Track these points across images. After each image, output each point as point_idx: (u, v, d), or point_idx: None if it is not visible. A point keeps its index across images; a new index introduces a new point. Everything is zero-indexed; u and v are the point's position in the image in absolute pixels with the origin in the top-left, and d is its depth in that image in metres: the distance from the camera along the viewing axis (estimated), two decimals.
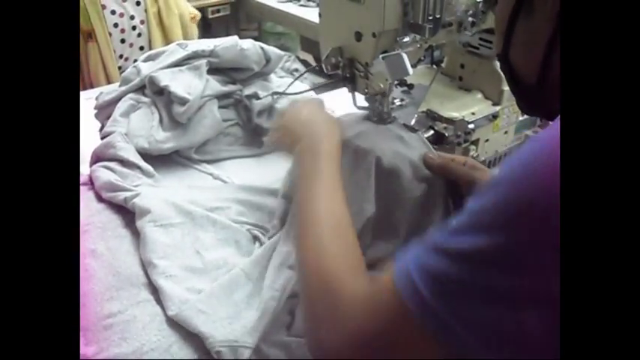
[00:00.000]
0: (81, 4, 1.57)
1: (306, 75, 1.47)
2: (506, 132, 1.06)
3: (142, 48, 1.76)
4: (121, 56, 1.73)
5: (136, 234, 0.83)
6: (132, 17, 1.71)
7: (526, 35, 0.62)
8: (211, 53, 1.13)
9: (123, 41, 1.72)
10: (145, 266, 0.77)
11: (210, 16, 2.79)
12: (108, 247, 0.81)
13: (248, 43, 1.15)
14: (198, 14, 1.95)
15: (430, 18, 0.79)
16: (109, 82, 1.66)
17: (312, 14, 2.36)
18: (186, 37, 1.84)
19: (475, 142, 1.00)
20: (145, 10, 1.73)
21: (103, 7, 1.64)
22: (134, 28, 1.72)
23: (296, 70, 2.08)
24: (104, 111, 1.13)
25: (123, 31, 1.71)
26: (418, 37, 0.80)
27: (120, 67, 1.71)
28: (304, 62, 2.26)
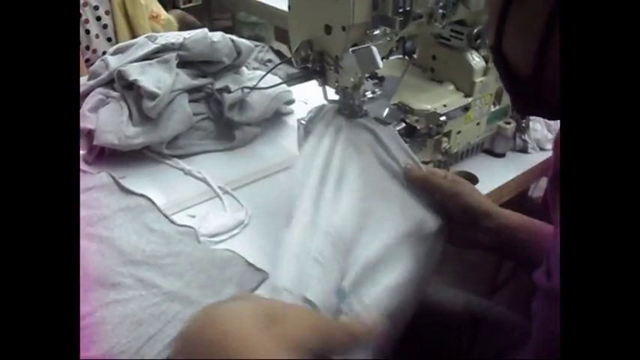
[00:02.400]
0: None
1: (280, 66, 1.46)
2: (478, 123, 1.06)
3: (109, 39, 1.72)
4: (87, 47, 1.70)
5: (104, 233, 0.82)
6: (96, 7, 1.67)
7: (520, 24, 0.59)
8: (181, 46, 1.11)
9: (88, 32, 1.68)
10: None
11: (182, 6, 2.76)
12: None
13: (218, 36, 1.13)
14: (163, 14, 1.87)
15: (400, 10, 0.78)
16: None
17: (285, 4, 2.33)
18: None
19: (447, 134, 1.00)
20: (110, 1, 1.69)
21: None
22: (99, 18, 1.69)
23: (269, 60, 2.08)
24: None
25: (87, 21, 1.67)
26: (388, 29, 0.80)
27: (88, 60, 1.68)
28: (278, 52, 2.25)
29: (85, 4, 1.65)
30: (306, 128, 0.87)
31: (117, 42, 1.72)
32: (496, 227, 0.75)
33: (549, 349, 0.47)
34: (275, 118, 1.21)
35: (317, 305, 0.59)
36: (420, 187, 0.77)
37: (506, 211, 0.77)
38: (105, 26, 1.71)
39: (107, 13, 1.70)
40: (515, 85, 0.66)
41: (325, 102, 0.88)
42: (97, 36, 1.71)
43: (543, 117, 0.78)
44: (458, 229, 0.78)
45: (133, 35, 1.66)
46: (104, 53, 1.17)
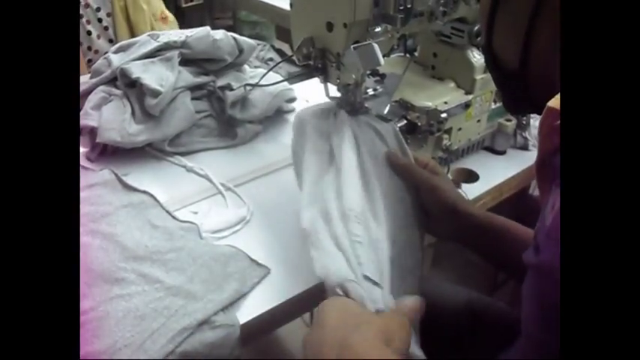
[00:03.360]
0: None
1: (281, 64, 1.46)
2: (479, 120, 1.06)
3: (110, 41, 1.73)
4: (89, 48, 1.70)
5: (107, 229, 0.82)
6: (97, 9, 1.68)
7: (507, 20, 0.64)
8: (183, 44, 1.12)
9: (89, 33, 1.69)
10: None
11: (184, 5, 2.76)
12: (80, 243, 0.81)
13: (220, 34, 1.14)
14: (171, 16, 1.90)
15: (401, 8, 0.79)
16: None
17: (286, 3, 2.33)
18: None
19: (448, 131, 1.00)
20: (112, 3, 1.70)
21: None
22: (100, 20, 1.70)
23: (271, 59, 2.07)
24: None
25: (88, 22, 1.68)
26: (389, 27, 0.80)
27: (90, 60, 1.69)
28: (279, 51, 2.24)
29: (87, 6, 1.66)
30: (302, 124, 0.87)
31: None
32: (466, 225, 0.78)
33: (541, 326, 0.48)
34: (277, 115, 1.22)
35: (376, 280, 0.66)
36: (399, 175, 0.79)
37: (477, 210, 0.80)
38: (106, 28, 1.72)
39: (108, 15, 1.71)
40: (505, 82, 0.69)
41: (327, 99, 0.88)
42: (98, 37, 1.72)
43: (532, 113, 0.80)
44: (433, 220, 0.80)
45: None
46: (106, 54, 1.17)
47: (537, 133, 0.52)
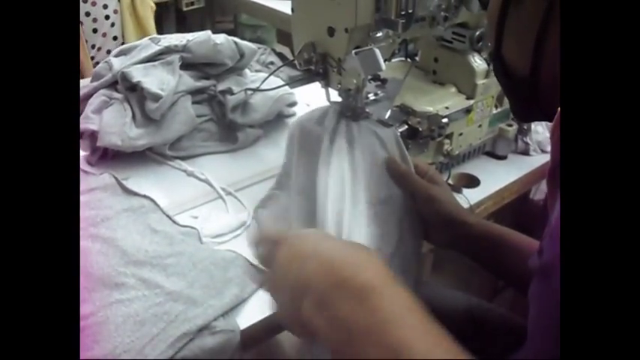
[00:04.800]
0: None
1: (282, 68, 1.46)
2: (480, 125, 1.06)
3: (115, 38, 1.74)
4: (93, 46, 1.71)
5: (107, 234, 0.82)
6: (105, 6, 1.69)
7: (517, 25, 0.63)
8: (184, 48, 1.11)
9: (95, 31, 1.70)
10: None
11: (185, 9, 2.76)
12: (80, 248, 0.80)
13: (221, 38, 1.14)
14: (153, 6, 1.94)
15: (403, 13, 0.79)
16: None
17: (287, 7, 2.33)
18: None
19: (449, 136, 1.00)
20: (119, 0, 1.71)
21: None
22: (107, 17, 1.71)
23: (271, 63, 2.07)
24: None
25: (95, 20, 1.69)
26: (391, 32, 0.80)
27: (93, 58, 1.69)
28: (280, 55, 2.24)
29: (94, 4, 1.66)
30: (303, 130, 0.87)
31: (123, 40, 1.73)
32: (464, 235, 0.78)
33: (543, 330, 0.48)
34: (277, 120, 1.21)
35: None
36: (397, 182, 0.79)
37: (475, 219, 0.81)
38: (112, 25, 1.72)
39: (115, 12, 1.72)
40: (514, 89, 0.68)
41: (328, 104, 0.88)
42: (104, 35, 1.72)
43: (542, 120, 0.79)
44: (431, 229, 0.81)
45: (142, 35, 1.68)
46: (109, 52, 1.18)
47: (550, 138, 0.53)
